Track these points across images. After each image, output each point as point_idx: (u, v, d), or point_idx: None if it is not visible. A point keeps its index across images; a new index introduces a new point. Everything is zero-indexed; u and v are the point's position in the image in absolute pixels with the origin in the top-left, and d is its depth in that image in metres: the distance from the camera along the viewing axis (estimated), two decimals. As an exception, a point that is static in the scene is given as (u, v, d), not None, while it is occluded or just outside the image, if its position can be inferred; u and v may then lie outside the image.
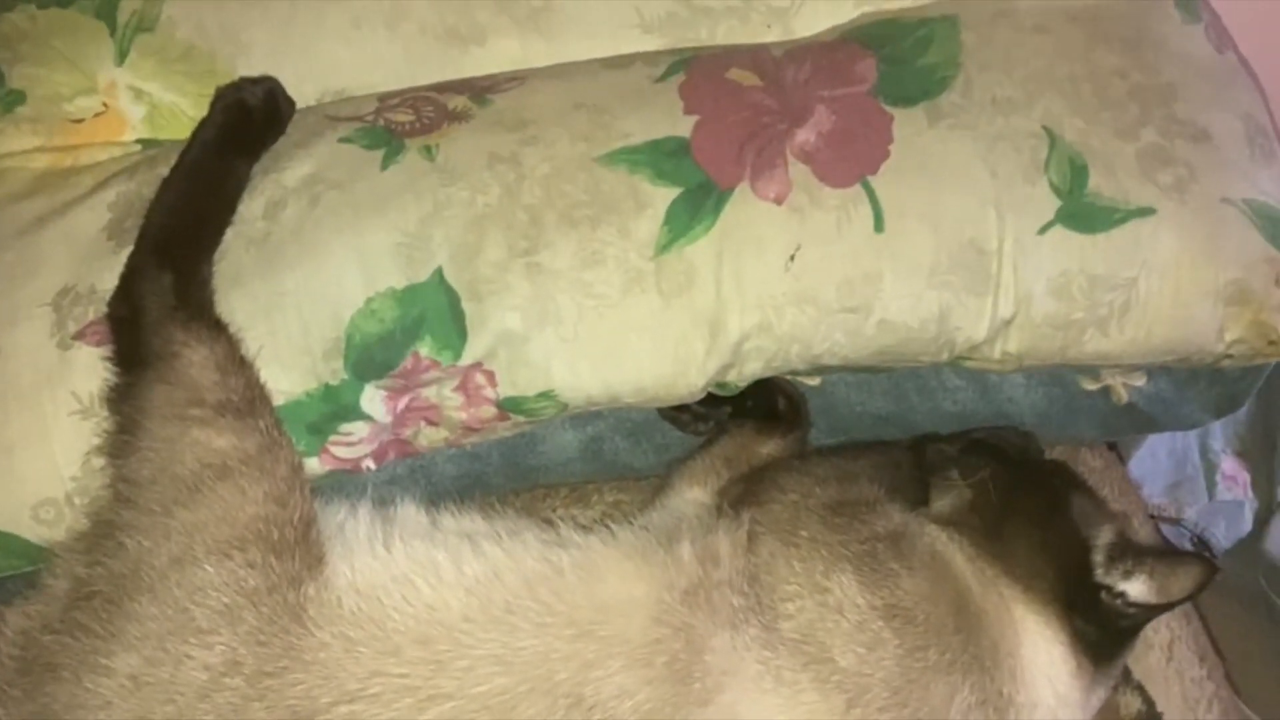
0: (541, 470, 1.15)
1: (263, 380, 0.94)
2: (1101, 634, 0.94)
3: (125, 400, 0.91)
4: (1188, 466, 1.82)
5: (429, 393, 1.01)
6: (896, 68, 1.08)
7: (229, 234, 0.99)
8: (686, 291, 1.00)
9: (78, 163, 1.10)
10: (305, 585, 0.83)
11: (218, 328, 0.93)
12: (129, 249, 0.97)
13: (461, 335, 0.99)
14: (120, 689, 0.79)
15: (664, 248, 1.00)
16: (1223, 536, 1.80)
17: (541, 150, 1.02)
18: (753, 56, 1.10)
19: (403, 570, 0.87)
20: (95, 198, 1.04)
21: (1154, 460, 1.80)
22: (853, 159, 1.02)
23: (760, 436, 1.12)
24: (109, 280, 0.97)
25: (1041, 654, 0.91)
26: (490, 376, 1.00)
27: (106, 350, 0.95)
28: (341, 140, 1.04)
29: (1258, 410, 1.83)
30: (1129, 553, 0.94)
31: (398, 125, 1.05)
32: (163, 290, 0.93)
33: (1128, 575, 0.93)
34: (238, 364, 0.92)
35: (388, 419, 1.02)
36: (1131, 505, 1.29)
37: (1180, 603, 0.96)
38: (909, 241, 1.01)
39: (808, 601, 0.87)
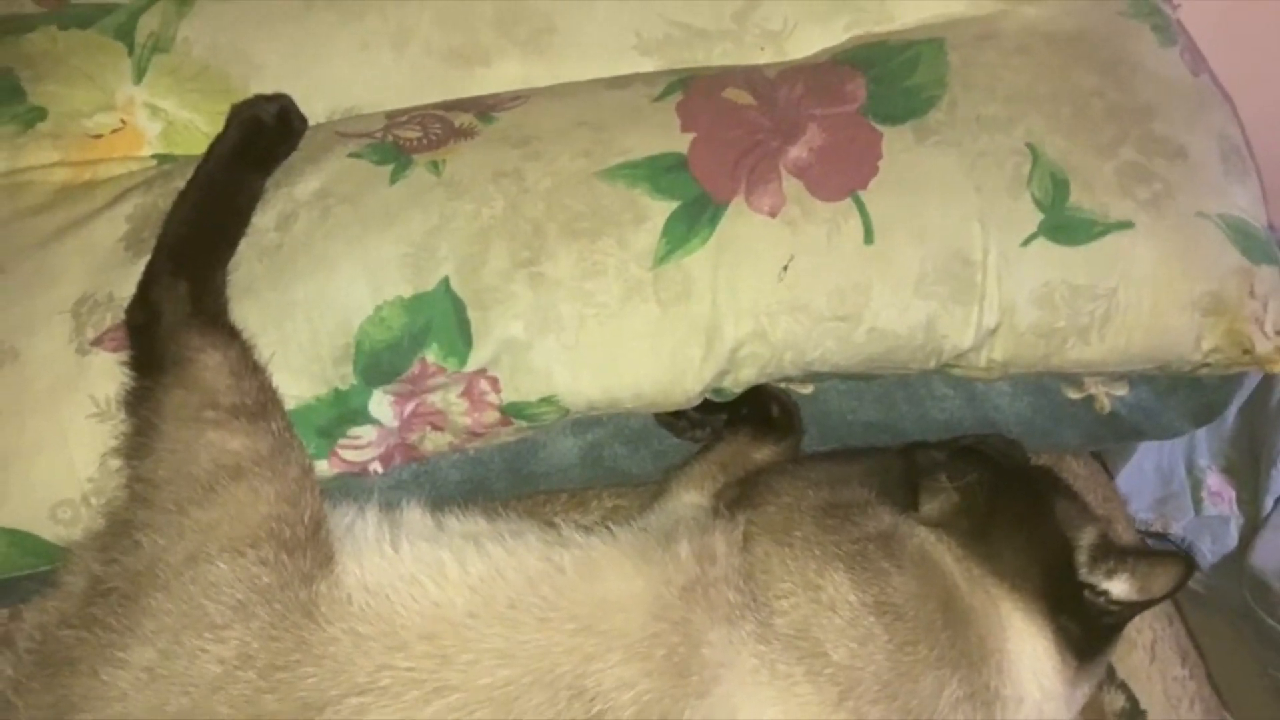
0: (543, 476, 1.16)
1: (275, 385, 0.95)
2: (1085, 631, 0.94)
3: (142, 403, 0.92)
4: (1174, 482, 1.82)
5: (435, 398, 1.03)
6: (885, 87, 1.09)
7: (242, 245, 1.00)
8: (684, 301, 1.01)
9: (96, 177, 1.11)
10: (316, 582, 0.84)
11: (231, 334, 0.94)
12: (146, 259, 0.98)
13: (467, 342, 1.00)
14: (136, 681, 0.79)
15: (662, 259, 1.01)
16: (1208, 551, 1.80)
17: (544, 165, 1.03)
18: (747, 77, 1.11)
19: (409, 569, 0.87)
20: (113, 210, 1.05)
21: (1140, 475, 1.80)
22: (843, 174, 1.04)
23: (755, 443, 1.12)
24: (126, 289, 0.98)
25: (1027, 650, 0.92)
26: (494, 382, 1.02)
27: (124, 355, 0.96)
28: (351, 156, 1.05)
29: (1243, 427, 1.84)
30: (1111, 553, 0.96)
31: (406, 141, 1.06)
32: (179, 298, 0.94)
33: (1110, 574, 0.95)
34: (251, 369, 0.93)
35: (395, 423, 1.03)
36: (1114, 510, 1.30)
37: (1161, 600, 0.98)
38: (897, 253, 1.03)
39: (801, 598, 0.87)
